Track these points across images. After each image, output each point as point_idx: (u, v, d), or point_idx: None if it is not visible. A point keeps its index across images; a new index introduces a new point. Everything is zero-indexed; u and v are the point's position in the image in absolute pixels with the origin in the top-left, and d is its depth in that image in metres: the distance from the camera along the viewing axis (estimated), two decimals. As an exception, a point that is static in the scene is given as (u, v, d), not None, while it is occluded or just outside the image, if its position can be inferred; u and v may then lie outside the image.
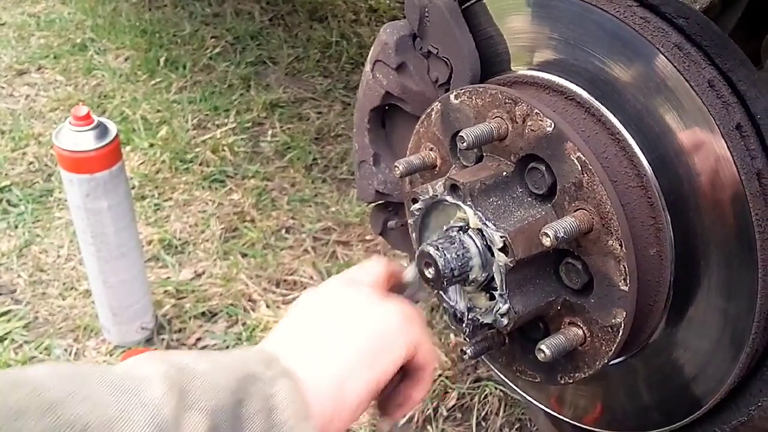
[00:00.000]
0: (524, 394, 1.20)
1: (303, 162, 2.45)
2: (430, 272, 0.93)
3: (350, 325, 0.75)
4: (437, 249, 0.92)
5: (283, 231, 2.19)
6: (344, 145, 2.52)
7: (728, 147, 0.81)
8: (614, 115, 0.90)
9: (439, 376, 1.74)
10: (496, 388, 1.73)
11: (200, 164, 2.45)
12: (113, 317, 1.76)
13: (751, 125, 0.82)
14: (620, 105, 0.89)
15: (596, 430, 1.18)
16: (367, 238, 2.15)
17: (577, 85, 0.93)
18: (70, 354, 1.78)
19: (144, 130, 2.56)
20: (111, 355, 1.78)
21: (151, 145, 2.49)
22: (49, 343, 1.80)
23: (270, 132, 2.61)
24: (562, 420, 1.42)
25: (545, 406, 1.19)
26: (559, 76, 0.95)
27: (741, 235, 0.84)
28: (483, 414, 1.69)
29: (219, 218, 2.23)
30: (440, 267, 0.91)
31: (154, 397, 0.58)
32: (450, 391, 1.74)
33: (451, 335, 1.83)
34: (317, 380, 0.68)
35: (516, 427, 1.67)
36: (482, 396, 1.72)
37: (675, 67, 0.83)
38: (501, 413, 1.69)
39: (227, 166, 2.45)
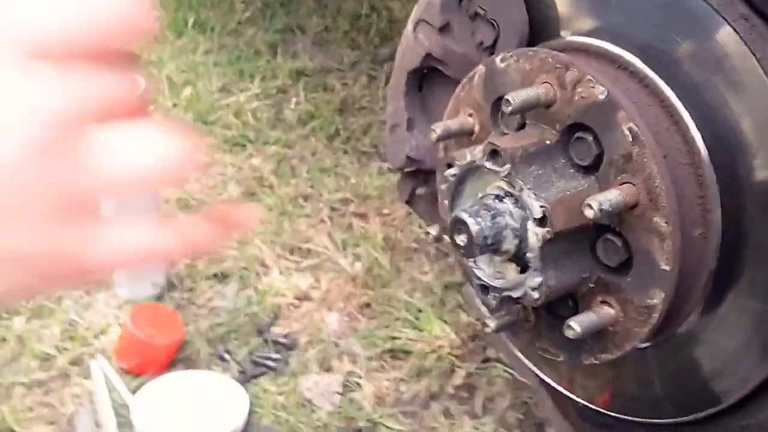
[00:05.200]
0: (537, 371, 1.17)
1: (325, 132, 2.42)
2: (462, 239, 0.90)
3: None
4: (471, 216, 0.88)
5: (301, 199, 2.16)
6: (368, 118, 2.48)
7: (791, 127, 0.77)
8: (669, 88, 0.86)
9: (447, 354, 1.71)
10: (504, 371, 1.70)
11: (222, 127, 2.41)
12: (126, 272, 1.74)
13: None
14: (677, 77, 0.85)
15: (606, 412, 1.15)
16: (385, 212, 2.11)
17: (631, 53, 0.89)
18: (78, 304, 1.76)
19: (168, 90, 2.53)
20: (120, 309, 1.76)
21: (175, 105, 2.46)
22: (61, 294, 1.78)
23: (294, 100, 2.57)
24: (570, 405, 1.40)
25: (557, 384, 1.16)
26: (612, 44, 0.91)
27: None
28: (489, 395, 1.66)
29: (238, 181, 2.20)
30: (473, 234, 0.88)
31: None
32: (457, 369, 1.71)
33: (462, 314, 1.80)
34: None
35: (522, 410, 1.64)
36: (489, 377, 1.69)
37: (742, 39, 0.79)
38: (508, 395, 1.66)
39: (249, 131, 2.41)
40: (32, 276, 0.38)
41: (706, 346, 0.94)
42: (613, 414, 1.13)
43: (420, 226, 2.01)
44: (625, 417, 1.11)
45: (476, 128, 1.01)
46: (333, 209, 2.10)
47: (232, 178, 2.22)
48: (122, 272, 1.75)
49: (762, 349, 0.86)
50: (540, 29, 1.00)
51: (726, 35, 0.80)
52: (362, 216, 2.08)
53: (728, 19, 0.80)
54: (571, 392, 1.15)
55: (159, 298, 1.80)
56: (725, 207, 0.85)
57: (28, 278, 0.38)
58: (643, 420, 1.08)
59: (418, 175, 1.19)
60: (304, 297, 1.80)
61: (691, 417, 0.97)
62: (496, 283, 0.94)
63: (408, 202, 1.21)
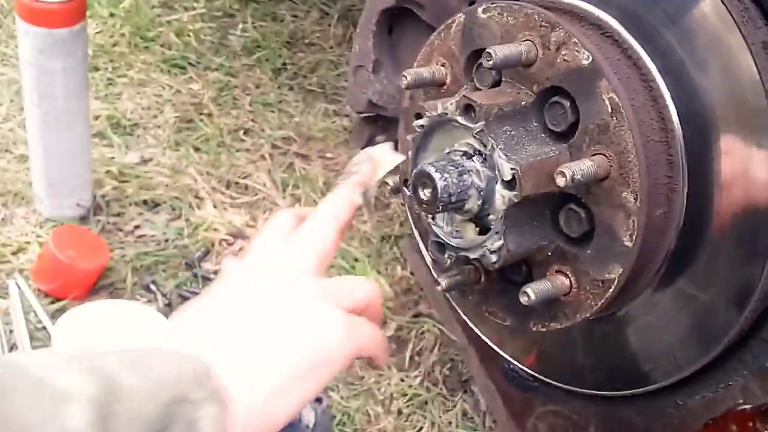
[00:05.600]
0: (479, 332, 1.17)
1: (271, 64, 2.32)
2: (425, 194, 0.87)
3: (287, 338, 0.65)
4: (438, 171, 0.85)
5: (241, 132, 2.07)
6: (317, 56, 2.39)
7: (772, 116, 0.76)
8: (652, 61, 0.84)
9: (381, 305, 1.70)
10: (434, 326, 1.70)
11: (162, 45, 2.28)
12: (49, 188, 1.63)
13: (796, 98, 0.78)
14: (661, 51, 0.84)
15: (530, 375, 1.17)
16: (328, 155, 2.06)
17: (617, 21, 0.87)
18: (-5, 219, 1.65)
19: (106, -3, 2.36)
20: (41, 227, 1.65)
21: (112, 15, 2.30)
22: (-27, 205, 1.66)
23: (240, 26, 2.45)
24: (496, 365, 1.41)
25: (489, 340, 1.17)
26: (599, 8, 0.88)
27: (758, 221, 0.81)
28: (417, 349, 1.67)
29: (174, 105, 2.09)
30: (438, 190, 0.84)
31: (74, 426, 0.52)
32: (389, 322, 1.70)
33: (398, 268, 1.79)
34: (248, 400, 0.62)
35: (448, 366, 1.65)
36: (419, 331, 1.69)
37: (734, 20, 0.77)
38: (435, 350, 1.67)
39: (190, 53, 2.29)
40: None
41: (647, 327, 0.95)
42: (538, 376, 1.15)
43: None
44: (549, 381, 1.13)
45: (448, 79, 0.97)
46: (274, 146, 2.03)
47: (169, 101, 2.11)
48: (43, 187, 1.65)
49: (702, 337, 0.88)
50: (525, -17, 0.96)
51: (717, 14, 0.79)
52: (304, 157, 2.02)
53: (723, -2, 0.78)
54: (500, 348, 1.16)
55: (83, 219, 1.70)
56: (690, 189, 0.84)
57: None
58: (567, 387, 1.10)
59: (378, 121, 1.15)
60: (238, 234, 1.74)
61: (624, 392, 0.99)
62: (454, 242, 0.91)
63: (363, 149, 1.16)
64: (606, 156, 0.82)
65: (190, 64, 2.25)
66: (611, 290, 0.85)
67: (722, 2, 0.78)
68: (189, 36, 2.33)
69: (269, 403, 0.63)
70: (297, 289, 0.68)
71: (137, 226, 1.75)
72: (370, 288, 0.75)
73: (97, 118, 1.97)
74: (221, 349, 0.63)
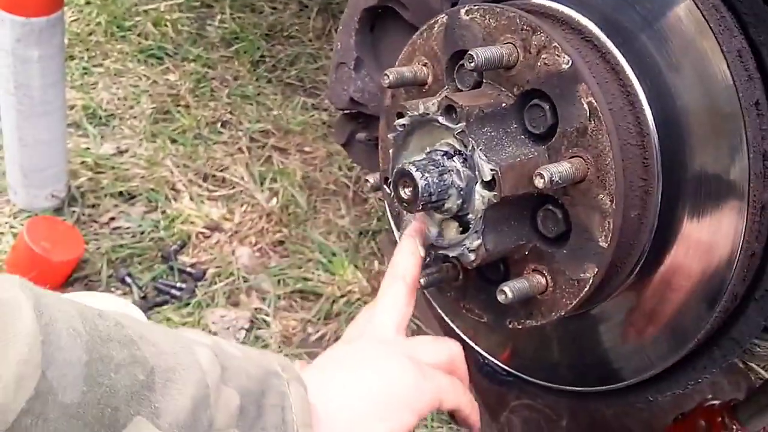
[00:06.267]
0: (454, 326, 1.18)
1: (250, 56, 2.31)
2: (406, 192, 0.88)
3: (369, 378, 0.74)
4: (419, 170, 0.86)
5: (219, 124, 2.06)
6: (296, 48, 2.38)
7: (744, 123, 0.78)
8: (630, 66, 0.86)
9: (357, 299, 1.71)
10: (411, 321, 1.72)
11: (138, 35, 2.26)
12: (23, 179, 1.61)
13: (768, 104, 0.80)
14: (639, 56, 0.85)
15: (508, 369, 1.18)
16: (306, 149, 2.06)
17: (597, 26, 0.88)
18: (-34, 209, 1.63)
19: (81, -15, 2.33)
20: (15, 218, 1.64)
21: (88, 3, 2.27)
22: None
23: (219, 17, 2.44)
24: (471, 359, 1.43)
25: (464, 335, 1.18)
26: (579, 13, 0.90)
27: (728, 224, 0.83)
28: (393, 344, 1.68)
29: (151, 96, 2.08)
30: (419, 189, 0.85)
31: (204, 361, 0.61)
32: (365, 316, 1.71)
33: (375, 263, 1.80)
34: (327, 403, 0.70)
35: (423, 362, 1.67)
36: (396, 327, 1.70)
37: (710, 28, 0.79)
38: (411, 346, 1.69)
39: (167, 44, 2.27)
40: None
41: (620, 325, 0.97)
42: (512, 371, 1.17)
43: (340, 169, 1.98)
44: (523, 376, 1.15)
45: (429, 79, 0.98)
46: (252, 140, 2.02)
47: (145, 91, 2.09)
48: (17, 177, 1.63)
49: (673, 336, 0.90)
50: (506, -14, 0.97)
51: (695, 22, 0.80)
52: (282, 150, 2.01)
53: (700, 6, 0.80)
54: (475, 343, 1.18)
55: (58, 210, 1.69)
56: (664, 191, 0.86)
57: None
58: (541, 382, 1.12)
59: (359, 118, 1.15)
60: (215, 227, 1.74)
61: (596, 388, 1.01)
62: (433, 240, 0.92)
63: (344, 145, 1.17)
64: (583, 158, 0.83)
65: (167, 54, 2.23)
66: (586, 289, 0.87)
67: (699, 10, 0.80)
68: (166, 26, 2.31)
69: (353, 426, 0.70)
70: (378, 346, 0.78)
71: (113, 218, 1.74)
72: (452, 348, 0.82)
73: (72, 107, 1.95)
74: (314, 370, 0.73)
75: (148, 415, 0.56)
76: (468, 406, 0.80)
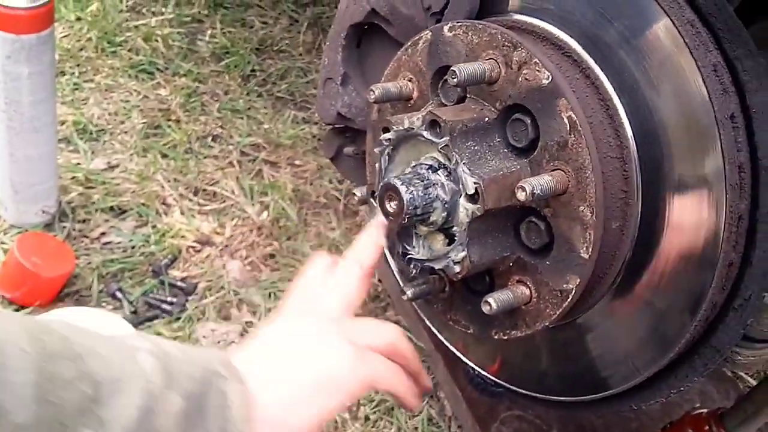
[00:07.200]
0: (444, 339, 1.19)
1: (240, 71, 2.33)
2: (392, 206, 0.89)
3: (303, 362, 0.77)
4: (404, 183, 0.88)
5: (210, 139, 2.08)
6: (286, 62, 2.40)
7: (719, 136, 0.80)
8: (609, 81, 0.88)
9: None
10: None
11: (129, 50, 2.27)
12: (14, 194, 1.62)
13: (743, 117, 0.82)
14: (618, 71, 0.87)
15: (497, 381, 1.19)
16: (297, 162, 2.07)
17: (577, 42, 0.90)
18: (-43, 225, 1.63)
19: (73, 1, 2.34)
20: (5, 234, 1.64)
21: (78, 19, 2.28)
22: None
23: (209, 32, 2.46)
24: (461, 371, 1.44)
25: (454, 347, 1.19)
26: (559, 29, 0.92)
27: (706, 234, 0.84)
28: (384, 356, 1.69)
29: (142, 111, 2.09)
30: (405, 203, 0.87)
31: (148, 369, 0.63)
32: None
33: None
34: (269, 403, 0.72)
35: (414, 373, 1.68)
36: (387, 339, 1.71)
37: (686, 43, 0.81)
38: (402, 358, 1.70)
39: (158, 59, 2.29)
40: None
41: (605, 334, 0.98)
42: (501, 383, 1.18)
43: (330, 182, 1.99)
44: (512, 387, 1.16)
45: (414, 94, 0.99)
46: (243, 153, 2.04)
47: (136, 106, 2.10)
48: (7, 193, 1.64)
49: (656, 343, 0.91)
50: (489, 2, 0.99)
51: (670, 37, 0.82)
52: (273, 164, 2.03)
53: (676, 22, 0.82)
54: (465, 356, 1.19)
55: (48, 226, 1.69)
56: (644, 203, 0.88)
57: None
58: (532, 394, 1.13)
59: (347, 132, 1.17)
60: (205, 241, 1.75)
61: (584, 397, 1.03)
62: (419, 253, 0.94)
63: (332, 159, 1.19)
64: (564, 171, 0.85)
65: (158, 69, 2.24)
66: (569, 300, 0.88)
67: (675, 26, 0.82)
68: (157, 41, 2.32)
69: (288, 411, 0.72)
70: (318, 328, 0.80)
71: (103, 233, 1.75)
72: (391, 331, 0.85)
73: (63, 123, 1.96)
74: (250, 362, 0.74)
75: (95, 428, 0.58)
76: (401, 389, 0.83)
